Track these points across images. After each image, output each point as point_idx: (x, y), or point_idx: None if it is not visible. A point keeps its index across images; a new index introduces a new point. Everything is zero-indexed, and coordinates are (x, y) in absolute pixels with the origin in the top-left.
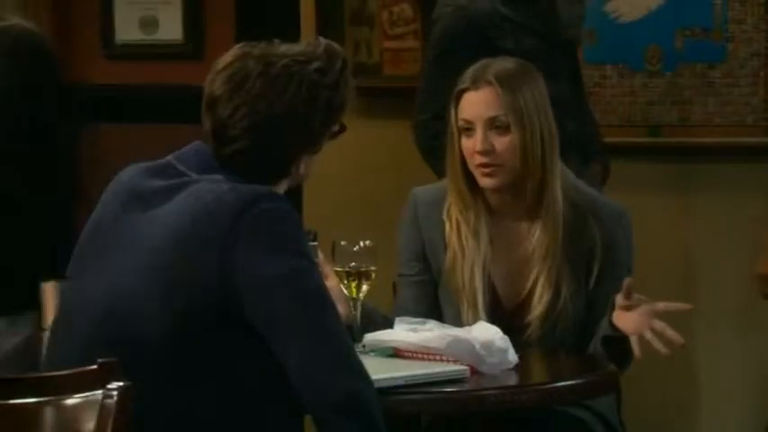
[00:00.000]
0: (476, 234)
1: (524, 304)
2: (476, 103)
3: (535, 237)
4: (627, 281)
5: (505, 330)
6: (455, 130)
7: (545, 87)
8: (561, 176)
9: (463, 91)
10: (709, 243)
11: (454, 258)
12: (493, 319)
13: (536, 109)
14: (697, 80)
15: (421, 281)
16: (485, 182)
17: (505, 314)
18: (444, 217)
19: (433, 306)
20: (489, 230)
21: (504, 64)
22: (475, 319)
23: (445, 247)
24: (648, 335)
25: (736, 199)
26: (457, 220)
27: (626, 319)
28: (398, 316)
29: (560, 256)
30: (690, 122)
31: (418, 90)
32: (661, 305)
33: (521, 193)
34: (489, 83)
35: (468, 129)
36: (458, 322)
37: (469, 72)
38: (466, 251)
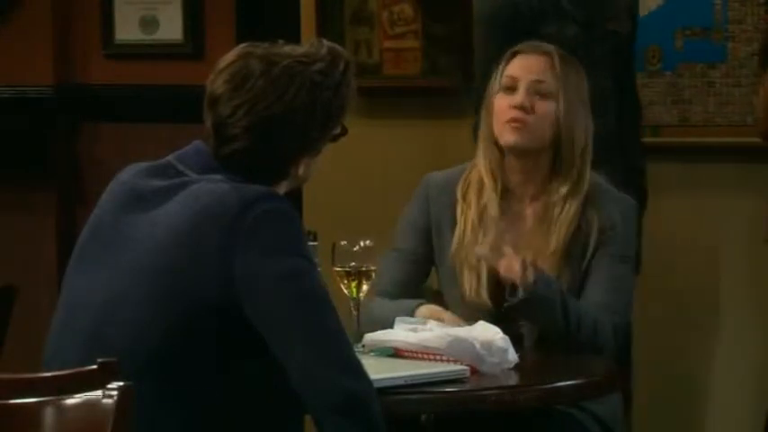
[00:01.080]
0: (487, 212)
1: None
2: (527, 64)
3: (558, 223)
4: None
5: (503, 309)
6: (496, 89)
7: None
8: None
9: (517, 52)
10: (709, 243)
11: (464, 233)
12: (494, 295)
13: (579, 94)
14: (697, 80)
15: (414, 261)
16: (510, 138)
17: (504, 292)
18: (458, 194)
19: (411, 285)
20: (501, 210)
21: (563, 51)
22: (477, 292)
23: (452, 229)
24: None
25: (736, 199)
26: (471, 195)
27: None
28: (383, 286)
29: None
30: (690, 122)
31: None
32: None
33: (537, 166)
34: (548, 53)
35: (511, 87)
36: (460, 301)
37: (527, 42)
38: (476, 227)
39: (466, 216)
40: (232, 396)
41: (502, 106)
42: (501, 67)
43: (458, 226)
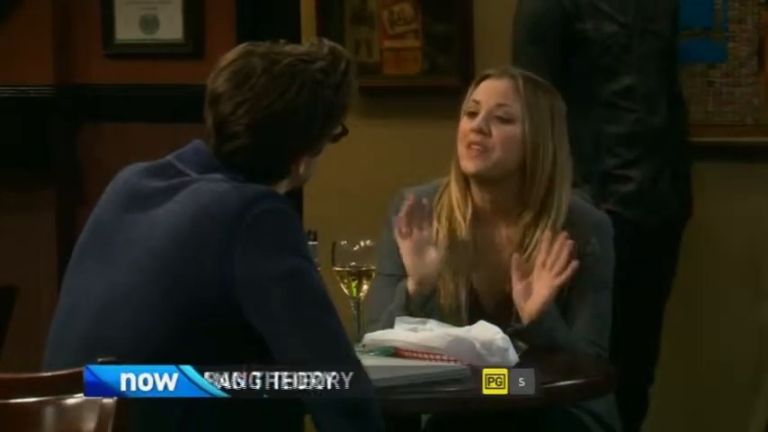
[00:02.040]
0: (462, 235)
1: (504, 305)
2: (491, 88)
3: (531, 247)
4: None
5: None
6: (462, 113)
7: (565, 115)
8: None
9: (485, 77)
10: (709, 242)
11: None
12: (472, 320)
13: (551, 122)
14: (697, 80)
15: (399, 281)
16: (468, 165)
17: (485, 315)
18: (434, 215)
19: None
20: (475, 233)
21: (535, 76)
22: (456, 319)
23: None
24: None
25: (736, 199)
26: (447, 219)
27: (532, 301)
28: (376, 314)
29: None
30: (690, 122)
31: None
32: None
33: (504, 192)
34: (513, 77)
35: (473, 113)
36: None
37: (499, 66)
38: (451, 252)
39: (440, 241)
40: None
41: (463, 130)
42: (469, 91)
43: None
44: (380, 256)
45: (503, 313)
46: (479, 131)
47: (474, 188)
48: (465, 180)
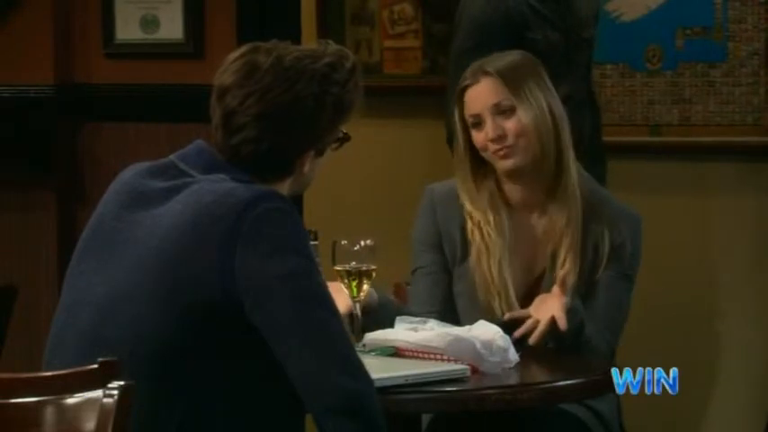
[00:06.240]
0: (499, 228)
1: (532, 293)
2: (478, 96)
3: (554, 231)
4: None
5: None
6: (460, 128)
7: (545, 73)
8: (578, 171)
9: (465, 88)
10: (709, 243)
11: (479, 254)
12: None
13: (538, 88)
14: (697, 79)
15: (436, 272)
16: (503, 164)
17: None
18: (465, 213)
19: (448, 298)
20: (509, 222)
21: (501, 56)
22: (509, 310)
23: (462, 240)
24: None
25: (737, 199)
26: (477, 215)
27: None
28: (414, 308)
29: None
30: (690, 122)
31: (449, 85)
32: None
33: (537, 178)
34: (487, 73)
35: (477, 123)
36: (473, 314)
37: (468, 71)
38: (490, 245)
39: (476, 237)
40: (232, 396)
41: (481, 142)
42: (455, 108)
43: (472, 247)
44: (414, 250)
45: (530, 302)
46: (497, 139)
47: (508, 186)
48: (495, 180)
